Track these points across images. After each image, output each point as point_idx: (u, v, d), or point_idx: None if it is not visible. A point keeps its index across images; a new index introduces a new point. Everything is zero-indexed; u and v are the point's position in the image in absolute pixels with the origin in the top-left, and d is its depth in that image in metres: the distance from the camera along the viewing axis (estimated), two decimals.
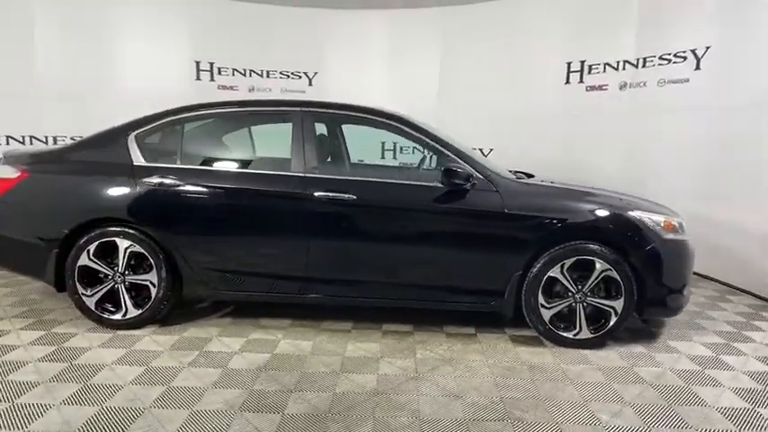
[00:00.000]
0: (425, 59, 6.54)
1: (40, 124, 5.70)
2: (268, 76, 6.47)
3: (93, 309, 3.05)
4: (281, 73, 6.48)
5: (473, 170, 2.97)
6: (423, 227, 3.01)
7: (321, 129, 3.46)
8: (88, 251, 3.00)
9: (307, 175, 3.00)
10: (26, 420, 2.10)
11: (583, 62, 5.71)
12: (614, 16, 5.45)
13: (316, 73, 6.50)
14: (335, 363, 2.73)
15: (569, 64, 5.81)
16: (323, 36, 6.65)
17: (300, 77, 6.48)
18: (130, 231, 3.00)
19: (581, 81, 5.75)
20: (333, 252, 3.02)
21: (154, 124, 3.16)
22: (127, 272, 3.04)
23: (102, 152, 3.13)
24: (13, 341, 2.88)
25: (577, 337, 3.00)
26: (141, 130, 3.14)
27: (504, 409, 2.30)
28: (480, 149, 5.74)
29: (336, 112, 3.23)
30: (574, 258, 2.94)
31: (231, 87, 6.42)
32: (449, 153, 3.06)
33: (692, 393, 2.51)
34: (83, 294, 3.04)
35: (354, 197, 2.95)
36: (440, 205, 2.96)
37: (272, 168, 3.14)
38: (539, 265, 2.94)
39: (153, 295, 3.05)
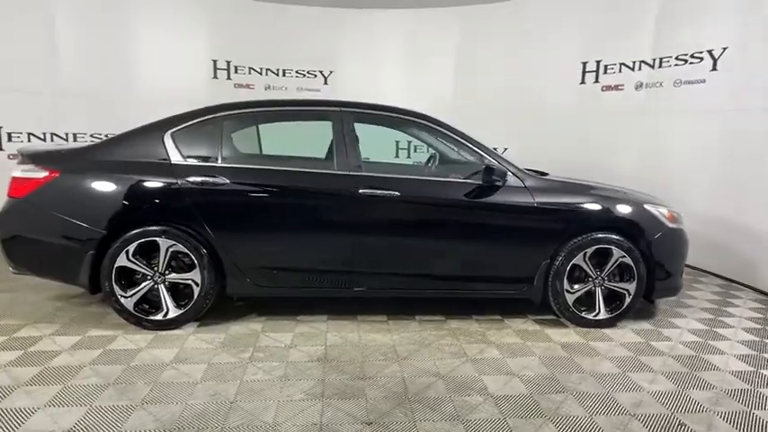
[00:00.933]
0: (441, 59, 6.62)
1: (60, 122, 5.68)
2: (284, 75, 6.47)
3: (131, 310, 3.00)
4: (296, 71, 6.47)
5: (506, 168, 3.21)
6: (461, 221, 3.21)
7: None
8: (127, 251, 2.94)
9: (351, 173, 3.11)
10: (117, 423, 2.08)
11: (598, 62, 5.73)
12: (631, 16, 5.44)
13: (331, 72, 6.52)
14: (389, 351, 2.88)
15: (585, 64, 5.83)
16: (338, 35, 6.73)
17: (316, 76, 6.50)
18: (172, 230, 2.97)
19: (596, 81, 5.76)
20: (377, 246, 3.15)
21: (191, 122, 3.13)
22: (167, 271, 3.02)
23: (138, 150, 3.06)
24: (51, 346, 2.78)
25: (597, 317, 3.33)
26: (178, 127, 3.10)
27: (560, 383, 2.56)
28: (495, 148, 5.72)
29: (376, 112, 3.34)
30: (594, 247, 3.25)
31: (247, 86, 6.44)
32: (483, 153, 3.27)
33: (705, 360, 2.90)
34: (121, 296, 2.97)
35: (398, 194, 3.10)
36: (476, 200, 3.18)
37: (314, 167, 3.22)
38: (564, 254, 3.23)
39: (195, 294, 3.03)
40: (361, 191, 3.06)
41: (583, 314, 3.32)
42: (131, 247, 2.94)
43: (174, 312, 3.03)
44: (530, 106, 6.14)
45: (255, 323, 3.22)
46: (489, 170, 3.11)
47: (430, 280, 3.27)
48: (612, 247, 3.26)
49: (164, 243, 2.96)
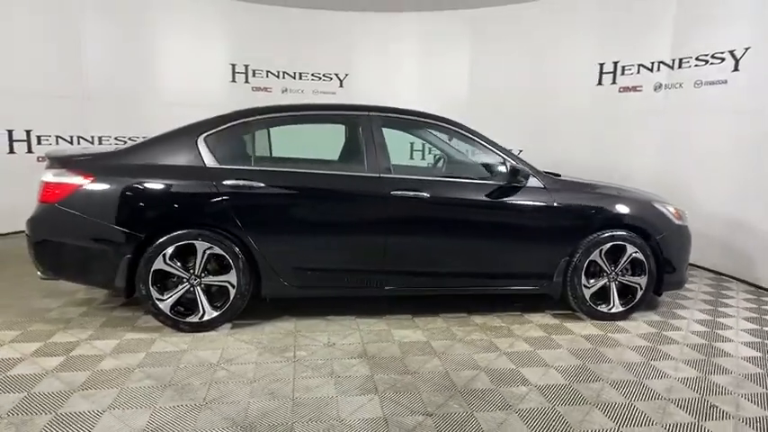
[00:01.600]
0: (455, 61, 6.71)
1: (86, 125, 5.90)
2: (300, 78, 6.55)
3: (168, 313, 3.01)
4: (312, 75, 6.54)
5: (528, 169, 3.37)
6: (485, 220, 3.36)
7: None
8: (164, 255, 2.95)
9: (382, 175, 3.20)
10: (187, 422, 2.12)
11: (616, 63, 5.70)
12: (649, 16, 5.40)
13: (347, 74, 6.60)
14: (424, 347, 2.98)
15: (602, 65, 5.81)
16: (353, 39, 6.84)
17: (331, 79, 6.56)
18: (209, 233, 3.00)
19: (614, 82, 5.74)
20: (408, 246, 3.25)
21: (223, 126, 3.16)
22: (202, 274, 3.04)
23: (171, 154, 3.08)
24: (92, 351, 2.77)
25: (611, 311, 3.52)
26: (210, 132, 3.13)
27: (593, 373, 2.72)
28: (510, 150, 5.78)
29: (403, 116, 3.45)
30: (610, 244, 3.45)
31: (265, 89, 6.59)
32: (504, 155, 3.42)
33: (717, 348, 3.12)
34: (158, 299, 2.99)
35: (427, 195, 3.21)
36: (499, 200, 3.32)
37: (344, 169, 3.30)
38: (582, 251, 3.41)
39: (232, 295, 3.07)
40: (392, 192, 3.17)
41: (599, 308, 3.51)
42: (169, 251, 2.96)
43: (210, 314, 3.06)
44: (545, 108, 6.16)
45: (287, 323, 3.28)
46: (515, 171, 3.26)
47: (456, 278, 3.39)
48: (626, 244, 3.46)
49: (201, 246, 2.99)
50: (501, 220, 3.37)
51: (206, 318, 3.06)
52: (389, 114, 3.38)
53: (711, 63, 4.83)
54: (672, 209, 3.62)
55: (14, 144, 5.51)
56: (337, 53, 6.78)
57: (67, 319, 3.23)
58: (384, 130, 3.37)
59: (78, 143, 5.84)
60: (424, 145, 6.09)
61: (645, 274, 3.51)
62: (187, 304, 3.08)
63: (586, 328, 3.40)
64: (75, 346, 2.83)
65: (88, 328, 3.08)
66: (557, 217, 3.39)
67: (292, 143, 3.70)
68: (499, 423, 2.20)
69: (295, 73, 6.60)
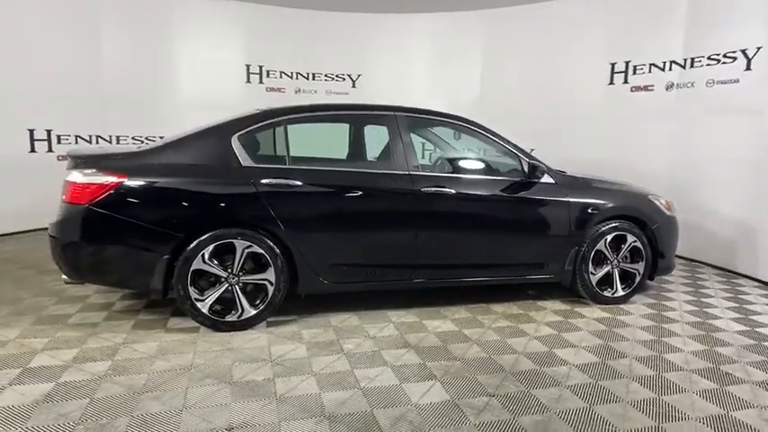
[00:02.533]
0: (467, 61, 6.79)
1: (105, 125, 6.05)
2: (313, 79, 6.56)
3: (207, 313, 3.00)
4: (325, 75, 6.54)
5: (543, 166, 3.61)
6: (507, 213, 3.57)
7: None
8: (203, 255, 2.94)
9: (412, 172, 3.33)
10: (313, 408, 2.18)
11: (627, 62, 5.72)
12: (660, 16, 5.44)
13: (359, 75, 6.60)
14: (459, 335, 3.14)
15: (613, 65, 5.85)
16: (366, 39, 6.89)
17: (344, 79, 6.57)
18: (248, 232, 3.02)
19: (625, 82, 5.77)
20: (436, 240, 3.40)
21: (256, 125, 3.18)
22: (240, 273, 3.05)
23: (205, 153, 3.07)
24: (135, 354, 2.72)
25: (614, 295, 3.84)
26: (244, 131, 3.14)
27: (617, 351, 2.99)
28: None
29: (427, 116, 3.59)
30: (613, 234, 3.76)
31: (279, 89, 6.71)
32: (519, 153, 3.64)
33: (710, 324, 3.49)
34: (196, 300, 2.97)
35: (453, 191, 3.38)
36: (518, 195, 3.54)
37: (375, 167, 3.40)
38: (589, 240, 3.70)
39: (270, 293, 3.10)
40: (422, 189, 3.31)
41: (604, 293, 3.82)
42: (208, 250, 2.95)
43: (248, 312, 3.07)
44: (557, 107, 6.25)
45: (319, 319, 3.33)
46: (533, 168, 3.49)
47: (480, 269, 3.58)
48: (627, 234, 3.78)
49: (240, 244, 3.00)
50: (520, 214, 3.59)
51: (244, 316, 3.07)
52: (414, 114, 3.51)
53: (723, 62, 4.85)
54: (663, 201, 3.98)
55: (36, 143, 5.60)
56: (350, 54, 6.87)
57: (93, 323, 3.13)
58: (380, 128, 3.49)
59: (97, 142, 5.94)
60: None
61: (642, 261, 3.86)
62: (224, 303, 3.07)
63: (594, 311, 3.69)
64: (115, 350, 2.77)
65: (119, 332, 3.01)
66: (569, 210, 3.66)
67: (315, 142, 3.74)
68: (556, 398, 2.40)
69: (308, 73, 6.64)
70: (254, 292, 3.11)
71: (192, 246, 2.92)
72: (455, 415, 2.23)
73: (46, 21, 5.58)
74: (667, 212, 3.96)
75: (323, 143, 3.60)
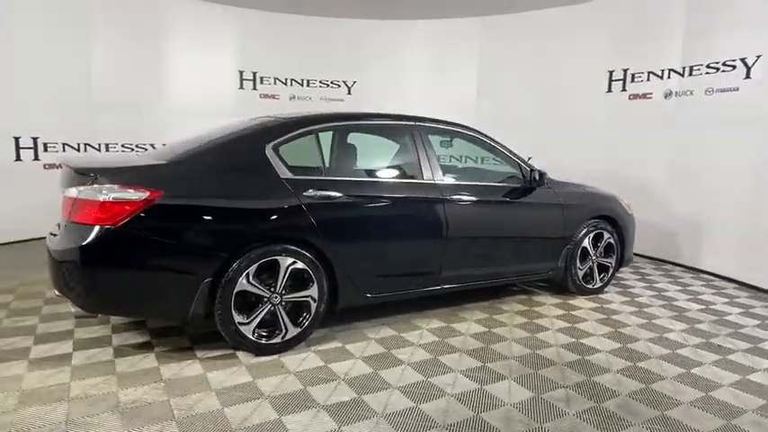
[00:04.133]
0: (464, 68, 6.70)
1: (93, 132, 5.79)
2: (308, 85, 6.17)
3: (252, 337, 2.79)
4: (320, 82, 6.16)
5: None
6: (517, 217, 3.83)
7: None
8: (247, 274, 2.74)
9: (437, 182, 3.43)
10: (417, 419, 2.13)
11: (626, 70, 5.75)
12: (658, 24, 5.45)
13: (354, 82, 6.26)
14: (490, 335, 3.31)
15: (611, 72, 5.88)
16: (361, 46, 6.69)
17: (339, 86, 6.19)
18: (291, 248, 2.87)
19: (623, 89, 5.79)
20: (461, 245, 3.53)
21: (289, 135, 3.03)
22: (283, 291, 2.89)
23: (240, 165, 2.85)
24: (206, 399, 2.45)
25: (595, 287, 4.31)
26: (277, 140, 2.98)
27: (626, 335, 3.39)
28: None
29: (442, 126, 3.69)
30: (594, 232, 4.22)
31: (273, 96, 6.36)
32: (518, 160, 3.93)
33: (676, 305, 4.10)
34: (240, 324, 2.75)
35: (474, 198, 3.55)
36: (524, 200, 3.83)
37: (402, 177, 3.43)
38: (577, 239, 4.12)
39: (313, 310, 2.98)
40: (450, 197, 3.42)
41: (587, 285, 4.27)
42: (252, 269, 2.75)
43: (292, 332, 2.91)
44: (554, 115, 6.28)
45: (352, 331, 3.27)
46: (541, 175, 3.80)
47: (496, 269, 3.79)
48: (604, 231, 4.28)
49: (284, 261, 2.84)
50: (528, 217, 3.87)
51: (288, 336, 2.91)
52: (430, 124, 3.61)
53: (723, 71, 4.88)
54: (626, 202, 4.57)
55: (21, 151, 5.40)
56: (345, 60, 6.73)
57: (105, 361, 2.73)
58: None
59: (85, 150, 5.73)
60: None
61: (614, 255, 4.39)
62: (263, 325, 2.88)
63: (583, 302, 4.11)
64: (195, 381, 2.46)
65: (183, 360, 2.67)
66: (562, 212, 4.03)
67: (369, 151, 3.65)
68: (616, 382, 2.68)
69: (303, 80, 6.34)
70: (296, 311, 2.96)
71: (235, 265, 2.70)
72: (550, 409, 2.38)
73: (33, 24, 5.32)
74: (629, 212, 4.55)
75: (364, 152, 3.52)
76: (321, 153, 3.18)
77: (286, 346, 2.91)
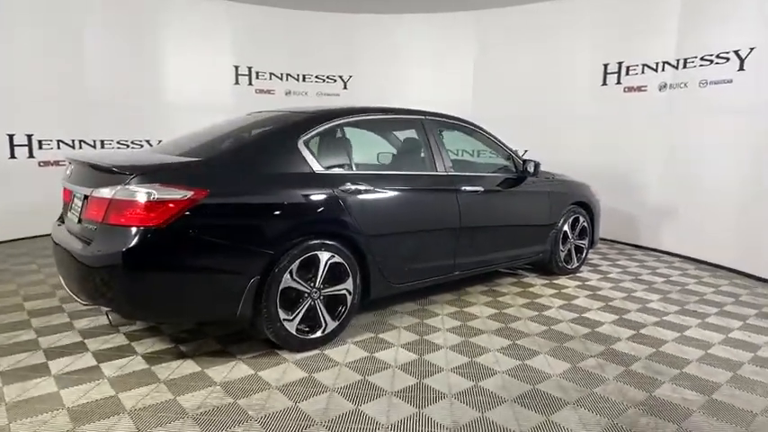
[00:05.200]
0: (460, 62, 6.64)
1: (88, 128, 5.75)
2: (304, 80, 5.97)
3: (295, 333, 2.78)
4: (316, 77, 5.93)
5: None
6: (517, 204, 4.09)
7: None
8: (291, 271, 2.72)
9: (450, 173, 3.58)
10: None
11: (620, 63, 5.80)
12: (653, 17, 5.48)
13: (350, 76, 5.99)
14: (504, 316, 3.54)
15: (606, 65, 5.91)
16: (357, 40, 6.59)
17: (335, 81, 5.96)
18: (330, 242, 2.88)
19: (618, 82, 5.83)
20: (471, 233, 3.70)
21: (318, 129, 3.02)
22: (321, 285, 2.90)
23: (275, 161, 2.81)
24: (251, 385, 2.41)
25: (572, 266, 4.72)
26: (307, 135, 2.96)
27: (621, 308, 3.76)
28: (515, 151, 5.61)
29: (449, 120, 3.82)
30: (573, 216, 4.61)
31: (269, 91, 6.32)
32: (510, 152, 4.19)
33: (644, 279, 4.59)
34: (285, 320, 2.73)
35: (481, 188, 3.75)
36: (522, 188, 4.09)
37: (421, 169, 3.53)
38: (560, 223, 4.48)
39: (349, 303, 3.01)
40: (462, 188, 3.59)
41: (568, 266, 4.66)
42: (295, 265, 2.73)
43: (331, 326, 2.93)
44: (550, 108, 6.34)
45: (376, 322, 3.34)
46: (537, 165, 4.07)
47: (498, 254, 4.01)
48: (580, 216, 4.69)
49: (323, 256, 2.85)
50: (524, 204, 4.16)
51: (328, 330, 2.92)
52: (438, 118, 3.74)
53: (716, 63, 4.93)
54: (593, 188, 5.02)
55: (15, 148, 5.32)
56: (341, 55, 6.61)
57: (139, 372, 2.59)
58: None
59: (80, 147, 5.69)
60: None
61: (587, 237, 4.82)
62: (303, 321, 2.87)
63: (566, 281, 4.48)
64: (251, 382, 2.39)
65: (216, 361, 2.57)
66: (551, 198, 4.37)
67: (388, 145, 3.67)
68: (632, 348, 3.00)
69: (298, 75, 6.16)
70: (333, 304, 2.98)
71: (281, 262, 2.67)
72: (591, 376, 2.64)
73: (26, 21, 5.22)
74: (597, 197, 5.01)
75: (383, 145, 3.57)
76: (347, 146, 3.19)
77: (326, 340, 2.93)
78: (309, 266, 2.82)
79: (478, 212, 3.76)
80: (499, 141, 4.15)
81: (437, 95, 6.79)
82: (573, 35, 6.24)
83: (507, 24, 6.68)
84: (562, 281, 4.48)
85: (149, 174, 2.43)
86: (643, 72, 5.69)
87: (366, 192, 3.04)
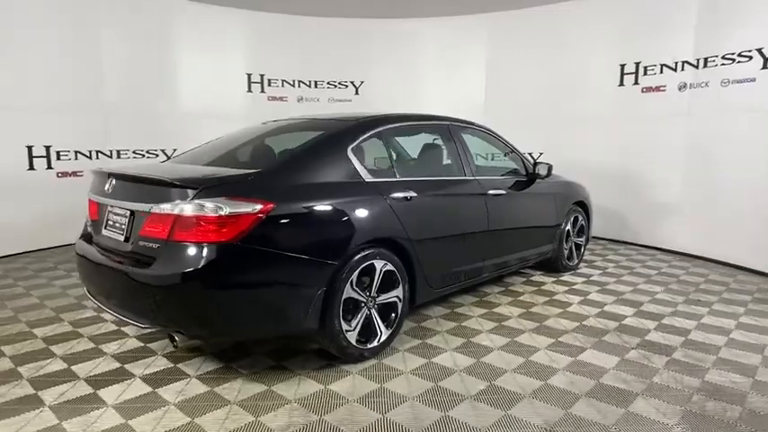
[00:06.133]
0: (472, 65, 6.54)
1: (104, 139, 5.76)
2: (316, 87, 5.84)
3: (355, 344, 2.75)
4: (328, 83, 5.75)
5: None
6: (532, 207, 4.24)
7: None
8: (351, 281, 2.70)
9: (476, 177, 3.66)
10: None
11: (638, 64, 5.71)
12: (671, 16, 5.41)
13: (362, 82, 5.78)
14: (532, 315, 3.66)
15: (623, 66, 5.82)
16: (368, 45, 6.51)
17: (347, 86, 5.75)
18: (384, 250, 2.88)
19: (636, 83, 5.73)
20: (497, 236, 3.80)
21: (363, 137, 3.01)
22: (375, 294, 2.89)
23: (328, 170, 2.77)
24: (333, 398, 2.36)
25: (574, 263, 4.95)
26: (355, 142, 2.95)
27: (633, 300, 4.00)
28: (530, 154, 6.20)
29: (468, 126, 3.90)
30: (574, 216, 4.84)
31: (281, 98, 6.33)
32: (521, 156, 4.34)
33: (641, 272, 4.89)
34: (347, 331, 2.70)
35: (504, 191, 3.87)
36: (536, 190, 4.25)
37: (451, 174, 3.58)
38: (564, 222, 4.69)
39: (399, 310, 3.02)
40: (490, 192, 3.69)
41: (569, 263, 4.88)
42: (355, 275, 2.71)
43: (385, 334, 2.93)
44: (566, 110, 6.28)
45: (419, 326, 3.37)
46: (550, 168, 4.24)
47: (517, 254, 4.13)
48: (579, 216, 4.93)
49: (379, 264, 2.84)
50: (539, 205, 4.33)
51: (382, 338, 2.91)
52: (459, 124, 3.82)
53: (739, 61, 4.84)
54: (587, 189, 5.29)
55: (34, 160, 5.33)
56: (352, 60, 6.53)
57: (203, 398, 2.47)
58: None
59: (97, 158, 5.75)
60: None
61: (584, 235, 5.08)
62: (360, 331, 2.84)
63: (571, 278, 4.69)
64: (325, 396, 2.33)
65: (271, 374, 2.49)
66: (558, 199, 4.56)
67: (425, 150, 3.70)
68: (664, 339, 3.20)
69: (310, 81, 6.05)
70: (385, 313, 2.97)
71: (344, 272, 2.64)
72: (642, 367, 2.79)
73: (44, 33, 5.28)
74: (589, 198, 5.28)
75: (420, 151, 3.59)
76: (389, 154, 3.18)
77: (381, 349, 2.92)
78: (366, 275, 2.80)
79: (503, 215, 3.87)
80: (509, 144, 4.29)
81: (450, 99, 6.75)
82: (588, 36, 6.18)
83: (520, 26, 6.62)
84: (568, 278, 4.69)
85: (215, 187, 2.33)
86: (661, 72, 5.60)
87: (412, 198, 3.06)
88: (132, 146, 5.98)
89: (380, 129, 3.16)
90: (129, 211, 2.53)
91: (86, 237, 2.97)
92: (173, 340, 2.37)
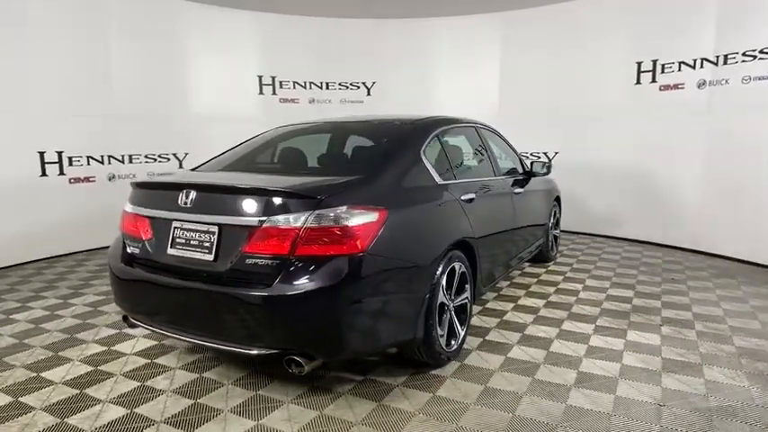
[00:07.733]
0: (486, 64, 6.37)
1: (116, 143, 5.79)
2: (327, 88, 5.57)
3: (444, 348, 2.74)
4: (339, 84, 5.36)
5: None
6: (535, 203, 4.51)
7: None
8: (442, 285, 2.69)
9: (503, 176, 3.83)
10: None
11: (655, 61, 5.61)
12: (688, 13, 5.31)
13: (374, 82, 5.24)
14: (550, 305, 3.93)
15: (640, 64, 5.72)
16: (380, 46, 6.32)
17: (359, 87, 5.30)
18: (460, 253, 2.90)
19: (653, 81, 5.63)
20: (518, 232, 3.99)
21: (428, 139, 2.99)
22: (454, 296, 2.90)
23: (410, 174, 2.72)
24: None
25: (554, 254, 5.36)
26: (425, 145, 2.92)
27: (622, 283, 4.46)
28: (545, 153, 6.26)
29: (484, 126, 4.02)
30: (553, 210, 5.24)
31: (293, 100, 6.17)
32: (517, 154, 4.59)
33: (617, 259, 5.46)
34: (440, 336, 2.69)
35: (521, 189, 4.08)
36: (535, 187, 4.51)
37: (490, 173, 3.68)
38: (549, 217, 5.07)
39: (468, 310, 3.06)
40: (514, 190, 3.87)
41: (551, 253, 5.28)
42: (444, 279, 2.70)
43: (461, 335, 2.95)
44: (582, 109, 6.18)
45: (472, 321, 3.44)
46: (549, 166, 4.53)
47: (526, 250, 4.36)
48: (557, 209, 5.35)
49: (457, 266, 2.86)
50: (539, 201, 4.61)
51: (460, 339, 2.93)
52: (480, 126, 3.94)
53: (760, 58, 4.74)
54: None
55: (47, 166, 5.30)
56: (364, 61, 6.29)
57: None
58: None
59: (109, 163, 5.76)
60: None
61: (558, 228, 5.53)
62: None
63: (558, 267, 5.07)
64: (443, 403, 2.27)
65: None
66: (547, 195, 4.91)
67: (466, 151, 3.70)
68: (677, 314, 3.63)
69: (322, 83, 5.71)
70: (460, 314, 2.99)
71: (438, 276, 2.62)
72: (683, 341, 3.15)
73: (54, 37, 5.26)
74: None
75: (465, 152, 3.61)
76: (446, 155, 3.18)
77: (459, 350, 2.94)
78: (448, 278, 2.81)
79: (522, 211, 4.09)
80: (508, 142, 4.52)
81: (464, 98, 6.65)
82: (604, 33, 6.08)
83: (534, 25, 6.51)
84: (554, 266, 5.07)
85: (338, 195, 2.18)
86: (680, 70, 5.51)
87: (473, 200, 3.12)
88: (144, 150, 5.95)
89: (438, 130, 3.16)
90: (216, 226, 2.25)
91: (125, 260, 2.57)
92: (297, 365, 2.16)
